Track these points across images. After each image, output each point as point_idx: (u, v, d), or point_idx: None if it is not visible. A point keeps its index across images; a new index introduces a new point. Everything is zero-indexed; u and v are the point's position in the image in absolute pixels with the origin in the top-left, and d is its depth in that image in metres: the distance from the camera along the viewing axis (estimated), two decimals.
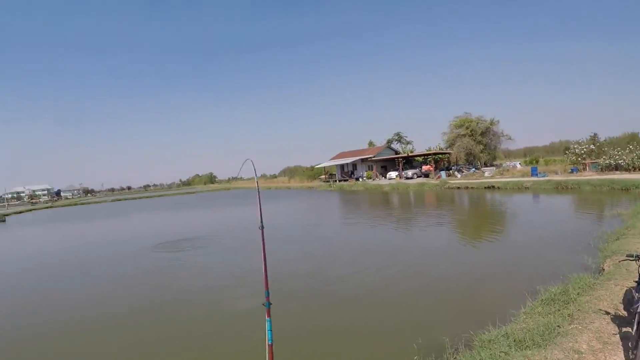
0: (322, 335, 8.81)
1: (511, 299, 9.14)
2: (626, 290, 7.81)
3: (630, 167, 37.41)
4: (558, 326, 6.72)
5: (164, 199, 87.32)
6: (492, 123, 62.24)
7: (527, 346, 6.34)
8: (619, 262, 9.10)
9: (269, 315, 4.15)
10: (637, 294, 6.20)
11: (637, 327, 5.33)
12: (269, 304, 4.26)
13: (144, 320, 10.61)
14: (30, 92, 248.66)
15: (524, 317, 7.64)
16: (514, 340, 6.54)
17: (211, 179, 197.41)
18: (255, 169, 5.20)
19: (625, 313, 6.93)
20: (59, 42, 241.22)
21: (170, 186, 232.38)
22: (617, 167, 38.46)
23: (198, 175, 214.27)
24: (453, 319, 8.75)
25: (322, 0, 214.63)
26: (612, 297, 7.74)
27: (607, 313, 7.00)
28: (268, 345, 4.06)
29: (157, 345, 8.90)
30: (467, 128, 60.94)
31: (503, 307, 8.74)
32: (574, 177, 36.66)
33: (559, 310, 7.51)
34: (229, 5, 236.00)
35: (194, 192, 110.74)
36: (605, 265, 10.37)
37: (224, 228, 27.17)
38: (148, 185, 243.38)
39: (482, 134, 61.17)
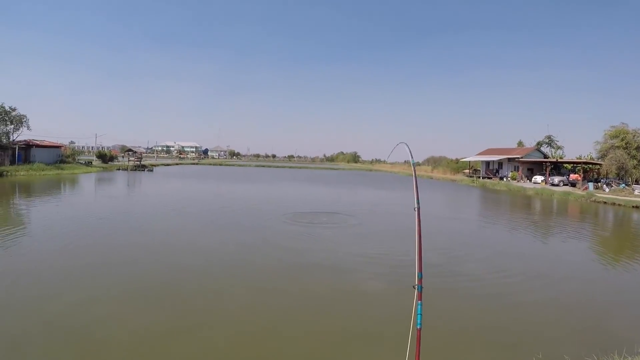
0: (449, 329, 9.22)
1: None
2: None
3: None
4: None
5: (307, 172, 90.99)
6: None
7: None
8: None
9: (420, 299, 4.05)
10: None
11: None
12: (421, 287, 4.15)
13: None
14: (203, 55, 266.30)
15: None
16: None
17: (355, 158, 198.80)
18: (411, 153, 5.36)
19: None
20: None
21: (313, 160, 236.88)
22: None
23: (342, 152, 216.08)
24: (578, 339, 8.82)
25: None
26: None
27: None
28: (417, 329, 4.03)
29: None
30: (622, 140, 59.19)
31: (633, 337, 8.62)
32: None
33: None
34: None
35: (336, 169, 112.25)
36: None
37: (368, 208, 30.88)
38: (292, 156, 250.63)
39: (638, 148, 59.06)
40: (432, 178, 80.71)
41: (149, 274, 12.76)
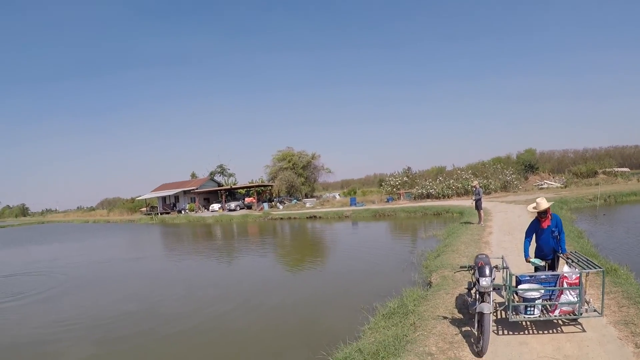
0: None
1: (353, 318, 9.27)
2: (457, 297, 8.86)
3: (440, 195, 42.04)
4: (405, 335, 7.01)
5: None
6: (313, 157, 64.68)
7: (382, 357, 6.44)
8: (455, 272, 9.81)
9: None
10: (470, 298, 7.54)
11: (478, 325, 6.32)
12: None
13: None
14: None
15: (370, 332, 7.77)
16: (369, 354, 6.58)
17: (23, 210, 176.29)
18: None
19: (460, 315, 7.72)
20: None
21: None
22: (428, 196, 42.73)
23: (9, 206, 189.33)
24: (302, 344, 8.61)
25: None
26: (446, 304, 8.54)
27: (445, 318, 7.68)
28: None
29: None
30: (289, 162, 62.38)
31: (347, 325, 8.87)
32: (390, 206, 39.59)
33: (400, 322, 7.83)
34: None
35: (5, 226, 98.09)
36: (432, 278, 11.16)
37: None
38: None
39: (304, 167, 63.15)
40: (109, 222, 75.28)
41: None
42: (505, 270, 7.31)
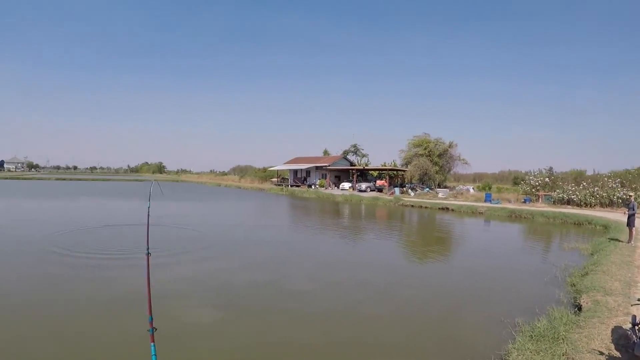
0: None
1: (492, 330, 8.85)
2: (613, 329, 7.84)
3: (581, 203, 38.37)
4: None
5: (111, 184, 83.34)
6: (450, 146, 62.94)
7: None
8: (632, 305, 8.82)
9: (152, 341, 4.21)
10: (635, 337, 6.49)
11: None
12: (153, 329, 4.29)
13: None
14: None
15: (517, 353, 7.16)
16: None
17: (160, 168, 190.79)
18: (150, 195, 5.72)
19: (617, 354, 6.79)
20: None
21: (117, 171, 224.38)
22: (568, 202, 39.38)
23: (147, 163, 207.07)
24: (437, 350, 8.11)
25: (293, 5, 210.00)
26: (601, 336, 7.60)
27: (602, 354, 6.82)
28: None
29: None
30: (425, 148, 61.34)
31: (486, 338, 8.47)
32: (527, 207, 37.24)
33: (551, 348, 7.13)
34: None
35: (142, 180, 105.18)
36: (582, 301, 10.19)
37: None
38: (95, 168, 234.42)
39: (440, 155, 61.77)
40: (240, 187, 79.39)
41: None
42: None
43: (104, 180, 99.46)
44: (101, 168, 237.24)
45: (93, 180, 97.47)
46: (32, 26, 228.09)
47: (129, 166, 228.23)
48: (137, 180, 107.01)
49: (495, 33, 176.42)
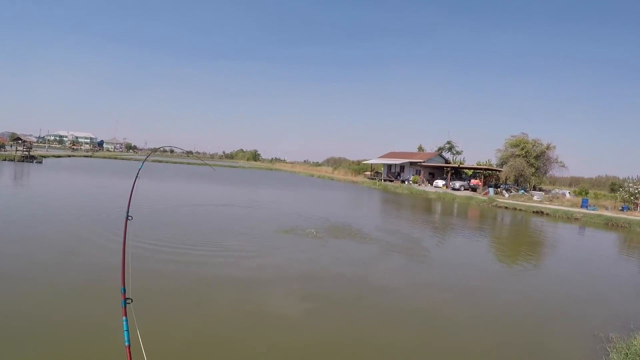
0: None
1: (585, 344, 8.56)
2: None
3: None
4: None
5: (217, 170, 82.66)
6: (548, 147, 61.92)
7: None
8: None
9: (125, 314, 3.79)
10: None
11: None
12: (125, 301, 3.86)
13: None
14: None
15: None
16: None
17: (255, 156, 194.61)
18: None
19: None
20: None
21: (212, 156, 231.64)
22: None
23: (242, 150, 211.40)
24: None
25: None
26: None
27: None
28: (126, 346, 3.74)
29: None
30: (522, 149, 60.73)
31: (578, 352, 8.26)
32: (624, 215, 36.75)
33: None
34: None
35: (237, 167, 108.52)
36: None
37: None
38: (191, 152, 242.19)
39: (536, 157, 60.96)
40: (333, 179, 79.63)
41: None
42: None
43: (199, 164, 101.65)
44: (197, 152, 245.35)
45: (188, 164, 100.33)
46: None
47: (224, 152, 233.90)
48: (232, 166, 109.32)
49: (600, 35, 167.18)
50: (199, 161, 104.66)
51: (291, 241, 16.56)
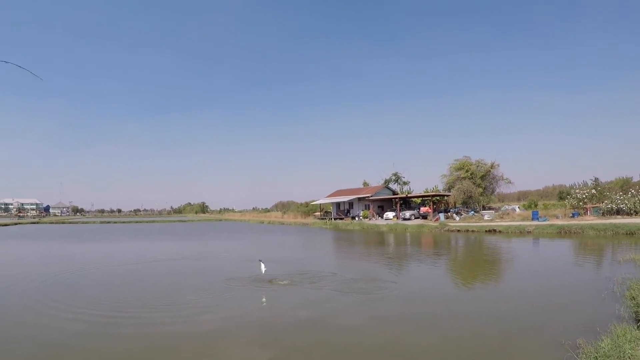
0: None
1: (553, 354, 8.41)
2: None
3: (631, 212, 37.93)
4: None
5: (162, 225, 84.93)
6: (492, 166, 62.85)
7: None
8: None
9: None
10: None
11: None
12: None
13: None
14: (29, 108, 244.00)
15: None
16: None
17: (203, 208, 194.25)
18: None
19: None
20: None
21: (160, 212, 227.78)
22: (618, 212, 38.87)
23: (190, 203, 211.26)
24: None
25: (316, 42, 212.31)
26: None
27: None
28: None
29: None
30: (467, 171, 61.35)
31: None
32: (575, 222, 36.86)
33: None
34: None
35: (186, 221, 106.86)
36: None
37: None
38: (138, 210, 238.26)
39: (482, 177, 61.67)
40: (283, 224, 79.14)
41: None
42: None
43: (148, 222, 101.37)
44: (145, 210, 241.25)
45: (137, 222, 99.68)
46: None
47: (172, 207, 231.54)
48: (181, 220, 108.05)
49: (536, 41, 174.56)
50: (147, 218, 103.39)
51: (245, 290, 15.89)
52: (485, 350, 9.00)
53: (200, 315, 12.36)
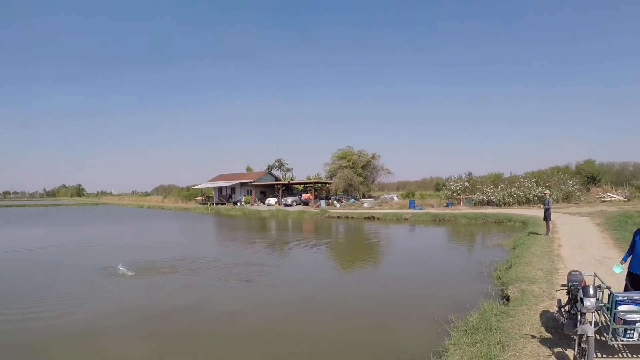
0: None
1: (427, 330, 9.01)
2: (541, 314, 8.35)
3: (500, 203, 41.15)
4: (496, 355, 6.61)
5: (26, 210, 78.45)
6: (373, 157, 64.58)
7: None
8: (557, 291, 8.87)
9: None
10: (562, 318, 7.22)
11: (578, 348, 5.97)
12: None
13: None
14: None
15: (454, 348, 7.36)
16: None
17: (79, 191, 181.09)
18: None
19: (549, 335, 7.21)
20: None
21: (32, 195, 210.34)
22: (489, 203, 41.87)
23: (65, 185, 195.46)
24: (376, 358, 7.97)
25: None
26: (531, 321, 7.94)
27: (534, 337, 7.15)
28: None
29: None
30: (348, 160, 62.43)
31: (422, 338, 8.65)
32: (449, 211, 38.86)
33: (485, 339, 7.38)
34: None
35: (60, 205, 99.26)
36: (509, 292, 10.65)
37: None
38: (8, 192, 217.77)
39: (363, 167, 63.12)
40: (163, 208, 76.48)
41: None
42: (606, 290, 6.59)
43: (18, 206, 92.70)
44: (15, 192, 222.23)
45: (6, 206, 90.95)
46: None
47: (45, 190, 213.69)
48: (55, 205, 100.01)
49: (418, 39, 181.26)
50: (17, 202, 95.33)
51: (121, 279, 15.00)
52: (365, 329, 9.42)
53: (74, 307, 11.47)
